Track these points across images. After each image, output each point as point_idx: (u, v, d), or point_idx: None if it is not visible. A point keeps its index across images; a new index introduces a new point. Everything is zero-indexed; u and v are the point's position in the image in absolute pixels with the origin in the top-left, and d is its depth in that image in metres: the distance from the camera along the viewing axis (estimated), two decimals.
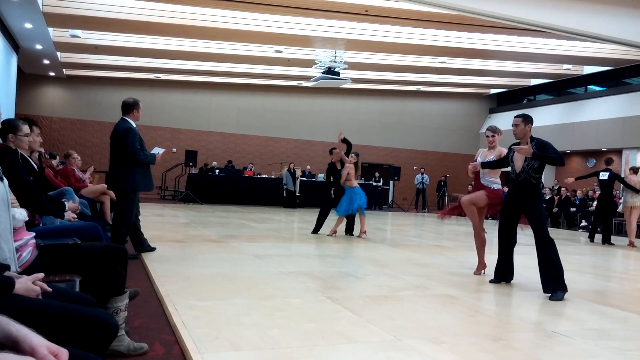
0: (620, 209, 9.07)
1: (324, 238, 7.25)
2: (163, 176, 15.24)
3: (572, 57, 13.44)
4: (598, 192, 10.16)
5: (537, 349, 2.65)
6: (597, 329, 3.11)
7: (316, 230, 7.65)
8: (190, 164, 14.25)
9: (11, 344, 0.88)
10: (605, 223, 9.21)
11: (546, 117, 18.05)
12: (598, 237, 9.29)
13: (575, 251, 7.65)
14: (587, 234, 10.03)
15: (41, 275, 1.49)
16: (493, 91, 20.22)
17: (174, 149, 16.68)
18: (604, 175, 9.12)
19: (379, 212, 15.57)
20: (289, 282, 3.97)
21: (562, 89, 18.12)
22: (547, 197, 14.27)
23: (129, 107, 4.76)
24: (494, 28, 10.16)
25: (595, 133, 16.09)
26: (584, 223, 13.08)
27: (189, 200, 13.67)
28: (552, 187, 15.56)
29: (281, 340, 2.50)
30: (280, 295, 3.50)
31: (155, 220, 8.27)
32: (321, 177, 16.62)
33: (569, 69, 15.46)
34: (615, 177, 9.04)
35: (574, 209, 13.57)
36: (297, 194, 14.88)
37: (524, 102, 19.84)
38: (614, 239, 9.40)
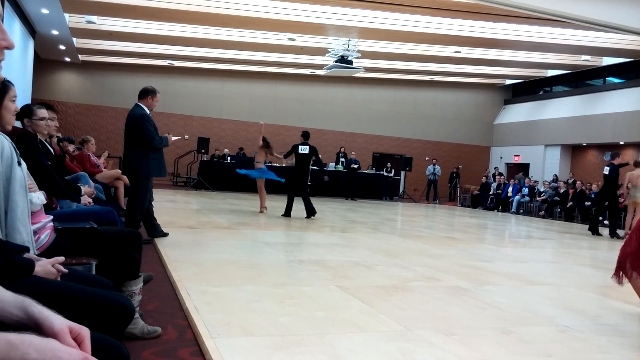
0: (627, 201, 9.15)
1: (335, 226, 7.27)
2: (175, 163, 15.35)
3: (591, 48, 13.15)
4: None
5: (549, 343, 2.63)
6: (610, 324, 3.08)
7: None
8: (202, 151, 14.33)
9: (34, 325, 0.90)
10: (611, 216, 9.47)
11: (562, 109, 17.75)
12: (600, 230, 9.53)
13: (589, 246, 7.57)
14: (602, 228, 10.03)
15: (61, 258, 1.52)
16: (508, 82, 19.92)
17: (187, 136, 16.76)
18: (606, 170, 9.34)
19: (389, 202, 15.52)
20: (300, 270, 4.00)
21: (580, 80, 17.77)
22: (562, 191, 14.09)
23: (145, 93, 4.80)
24: (511, 17, 9.97)
25: (612, 126, 15.80)
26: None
27: (201, 187, 13.76)
28: (567, 180, 15.34)
29: (292, 328, 2.52)
30: (291, 283, 3.53)
31: (168, 206, 8.36)
32: (332, 166, 16.59)
33: (587, 60, 15.14)
34: (615, 171, 9.20)
35: (589, 203, 13.38)
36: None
37: (540, 93, 19.53)
38: (601, 229, 9.76)
